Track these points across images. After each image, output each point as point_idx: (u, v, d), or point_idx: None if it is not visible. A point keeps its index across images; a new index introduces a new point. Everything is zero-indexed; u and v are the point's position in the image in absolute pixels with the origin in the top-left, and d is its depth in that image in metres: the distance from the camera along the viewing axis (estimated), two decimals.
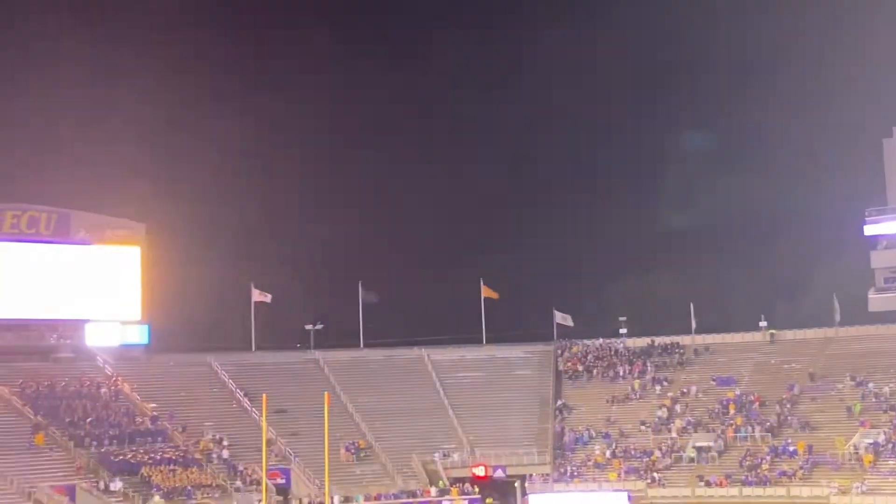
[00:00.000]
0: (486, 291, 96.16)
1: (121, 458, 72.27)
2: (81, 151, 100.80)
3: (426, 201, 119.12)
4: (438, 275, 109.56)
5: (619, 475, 77.46)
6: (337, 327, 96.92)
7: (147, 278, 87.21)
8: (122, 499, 68.17)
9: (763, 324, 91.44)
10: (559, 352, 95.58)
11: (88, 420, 75.69)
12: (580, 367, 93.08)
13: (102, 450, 72.65)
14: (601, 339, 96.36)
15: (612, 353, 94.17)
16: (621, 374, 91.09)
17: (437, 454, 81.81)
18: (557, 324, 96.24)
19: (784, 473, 72.55)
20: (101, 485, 68.97)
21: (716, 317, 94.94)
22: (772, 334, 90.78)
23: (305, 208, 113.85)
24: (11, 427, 72.80)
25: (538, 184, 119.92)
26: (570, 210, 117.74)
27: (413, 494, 76.59)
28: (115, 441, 74.00)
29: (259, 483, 70.06)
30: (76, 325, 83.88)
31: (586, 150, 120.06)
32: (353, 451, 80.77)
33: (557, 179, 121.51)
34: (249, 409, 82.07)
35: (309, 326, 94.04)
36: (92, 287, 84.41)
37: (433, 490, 77.26)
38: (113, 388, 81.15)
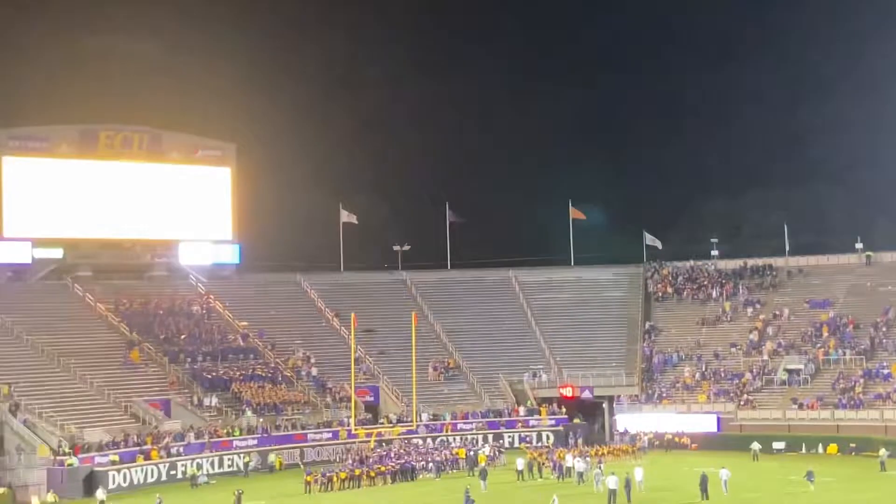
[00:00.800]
0: (574, 213, 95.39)
1: (213, 374, 73.73)
2: (174, 72, 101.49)
3: (515, 121, 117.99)
4: (527, 196, 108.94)
5: (708, 397, 76.81)
6: (425, 248, 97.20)
7: (237, 198, 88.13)
8: (215, 413, 69.60)
9: (859, 245, 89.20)
10: (649, 273, 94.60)
11: (182, 337, 77.23)
12: (670, 289, 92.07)
13: (196, 366, 74.12)
14: (692, 261, 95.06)
15: (703, 274, 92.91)
16: (712, 296, 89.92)
17: (524, 374, 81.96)
18: (647, 245, 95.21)
19: (878, 396, 71.21)
20: (195, 399, 70.51)
21: (811, 238, 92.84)
22: (868, 256, 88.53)
23: (395, 129, 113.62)
24: (108, 343, 74.49)
25: (630, 104, 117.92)
26: (662, 130, 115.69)
27: (500, 414, 76.94)
28: (207, 357, 75.47)
29: (348, 400, 71.03)
30: (170, 244, 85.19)
31: (678, 72, 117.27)
32: (440, 370, 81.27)
33: (649, 99, 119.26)
34: (338, 328, 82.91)
35: (397, 247, 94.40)
36: (184, 207, 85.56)
37: (521, 410, 77.50)
38: (205, 306, 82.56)
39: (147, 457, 60.45)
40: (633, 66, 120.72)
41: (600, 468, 54.61)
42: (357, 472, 58.42)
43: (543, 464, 59.98)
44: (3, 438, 59.45)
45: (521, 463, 59.08)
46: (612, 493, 48.08)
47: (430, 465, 61.36)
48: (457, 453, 64.60)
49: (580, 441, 70.50)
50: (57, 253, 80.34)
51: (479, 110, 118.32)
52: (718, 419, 74.62)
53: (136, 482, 58.34)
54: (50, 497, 50.82)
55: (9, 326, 70.95)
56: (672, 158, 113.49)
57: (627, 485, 49.00)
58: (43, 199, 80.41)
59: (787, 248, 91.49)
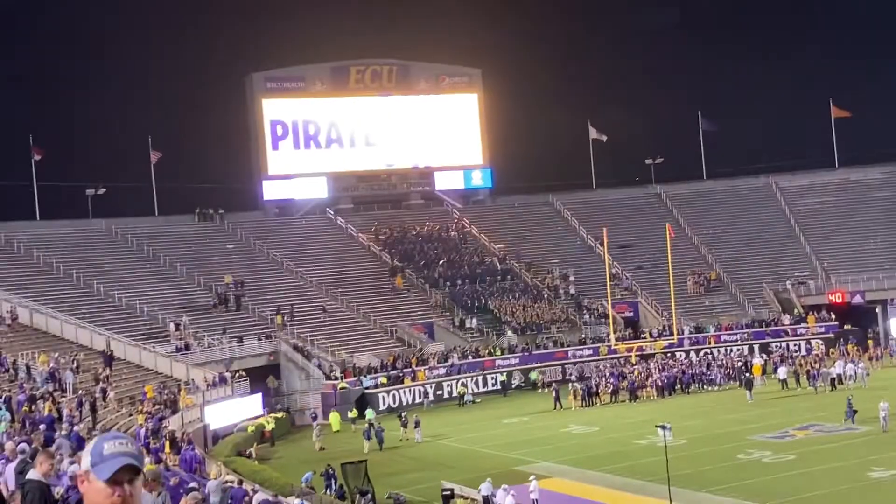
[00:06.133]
0: (836, 111, 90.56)
1: (473, 296, 75.05)
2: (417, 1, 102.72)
3: (766, 19, 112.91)
4: (783, 96, 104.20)
5: None
6: (678, 159, 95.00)
7: (486, 123, 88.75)
8: (477, 334, 70.96)
9: None
10: None
11: (441, 262, 78.92)
12: None
13: (456, 289, 75.68)
14: None
15: None
16: None
17: (789, 282, 79.12)
18: None
19: None
20: (457, 321, 72.07)
21: None
22: None
23: (641, 39, 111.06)
24: (371, 271, 77.18)
25: None
26: None
27: (766, 324, 74.59)
28: (466, 280, 76.84)
29: (607, 317, 70.77)
30: (424, 173, 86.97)
31: None
32: (701, 282, 79.57)
33: None
34: (594, 245, 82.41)
35: (649, 161, 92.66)
36: (435, 135, 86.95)
37: (787, 318, 74.90)
38: (461, 230, 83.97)
39: (414, 378, 62.38)
40: None
41: None
42: (622, 385, 58.35)
43: (809, 372, 57.71)
44: (280, 366, 62.77)
45: (783, 372, 57.28)
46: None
47: (716, 376, 60.26)
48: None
49: (852, 347, 67.34)
50: (319, 188, 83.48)
51: (722, 13, 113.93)
52: None
53: (404, 403, 60.31)
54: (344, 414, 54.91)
55: (279, 260, 74.61)
56: None
57: None
58: (301, 137, 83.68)
59: None
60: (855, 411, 42.86)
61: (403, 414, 51.70)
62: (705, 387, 59.57)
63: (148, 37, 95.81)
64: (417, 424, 49.15)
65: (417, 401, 60.63)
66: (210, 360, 58.81)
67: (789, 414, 46.65)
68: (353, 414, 54.75)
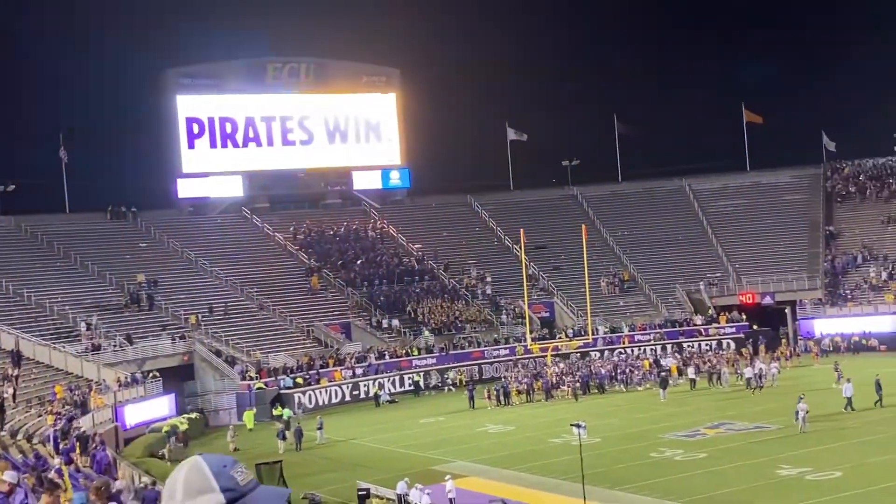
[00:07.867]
0: (748, 116, 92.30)
1: (390, 296, 74.97)
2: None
3: (680, 22, 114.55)
4: (697, 101, 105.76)
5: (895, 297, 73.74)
6: (594, 162, 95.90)
7: (404, 123, 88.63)
8: (394, 335, 70.90)
9: None
10: (829, 174, 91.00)
11: (358, 262, 78.69)
12: (852, 189, 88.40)
13: (373, 289, 75.52)
14: (874, 159, 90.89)
15: (887, 171, 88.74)
16: None
17: (701, 283, 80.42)
18: (826, 146, 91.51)
19: None
20: (374, 321, 71.93)
21: None
22: None
23: (558, 42, 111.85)
24: (288, 271, 76.69)
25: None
26: (838, 25, 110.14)
27: (679, 324, 75.72)
28: (384, 281, 76.73)
29: (523, 317, 71.20)
30: (341, 173, 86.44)
31: None
32: (615, 283, 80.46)
33: None
34: (510, 246, 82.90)
35: (565, 162, 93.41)
36: (353, 134, 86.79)
37: (699, 318, 76.14)
38: (379, 231, 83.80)
39: (331, 378, 62.11)
40: None
41: (838, 371, 51.71)
42: (536, 385, 58.59)
43: (721, 371, 58.47)
44: (194, 366, 62.02)
45: (691, 371, 58.29)
46: (850, 400, 44.91)
47: (631, 375, 60.86)
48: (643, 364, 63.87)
49: (763, 347, 68.66)
50: (235, 186, 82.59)
51: (640, 12, 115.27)
52: None
53: (321, 403, 60.01)
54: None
55: (193, 259, 73.74)
56: (851, 55, 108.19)
57: (878, 386, 45.68)
58: (218, 135, 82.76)
59: None
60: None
61: (288, 419, 51.33)
62: (619, 386, 60.21)
63: (60, 32, 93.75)
64: (321, 426, 48.95)
65: (334, 400, 60.43)
66: (122, 360, 57.93)
67: (701, 413, 47.40)
68: (278, 412, 54.29)
